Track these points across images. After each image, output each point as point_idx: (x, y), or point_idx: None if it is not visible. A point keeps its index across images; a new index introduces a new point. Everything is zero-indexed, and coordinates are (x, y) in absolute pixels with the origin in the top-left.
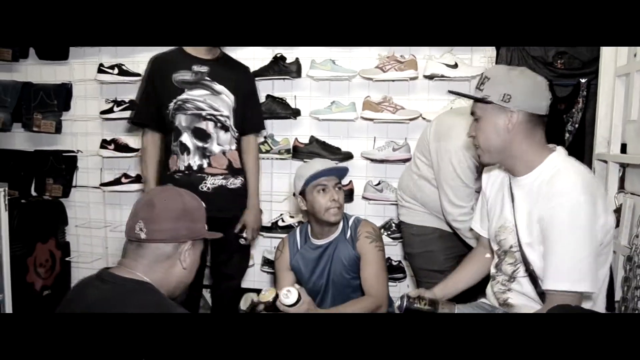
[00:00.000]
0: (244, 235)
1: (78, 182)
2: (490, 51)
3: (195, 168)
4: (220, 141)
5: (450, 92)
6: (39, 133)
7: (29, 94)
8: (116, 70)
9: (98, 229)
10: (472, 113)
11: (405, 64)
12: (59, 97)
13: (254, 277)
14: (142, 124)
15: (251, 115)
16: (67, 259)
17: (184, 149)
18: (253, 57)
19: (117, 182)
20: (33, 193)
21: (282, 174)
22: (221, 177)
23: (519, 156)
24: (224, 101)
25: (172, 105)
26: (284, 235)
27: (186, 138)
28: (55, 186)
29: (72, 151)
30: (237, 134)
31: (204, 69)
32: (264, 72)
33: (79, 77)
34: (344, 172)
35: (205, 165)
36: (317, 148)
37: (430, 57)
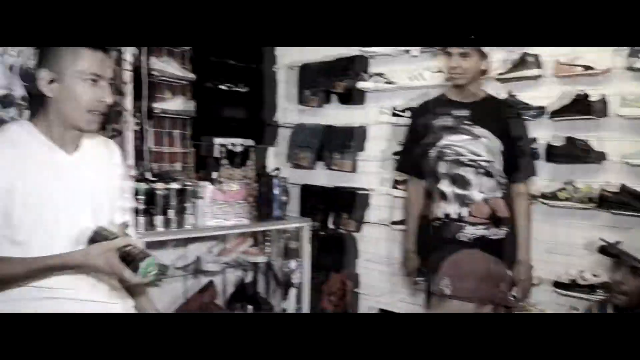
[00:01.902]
0: (513, 293)
1: (370, 219)
2: None
3: (453, 216)
4: (482, 188)
5: None
6: (337, 171)
7: (330, 135)
8: (408, 113)
9: (384, 264)
10: None
11: None
12: (356, 138)
13: None
14: (405, 171)
15: (519, 162)
16: (355, 290)
17: (443, 196)
18: (551, 95)
19: (405, 221)
20: (330, 226)
21: (583, 225)
22: (482, 227)
23: None
24: (485, 145)
25: (433, 152)
26: (582, 296)
27: (445, 185)
28: (350, 221)
29: (366, 189)
30: (503, 180)
31: (464, 112)
32: (563, 111)
33: (374, 120)
34: None
35: (464, 214)
36: (628, 198)
37: None
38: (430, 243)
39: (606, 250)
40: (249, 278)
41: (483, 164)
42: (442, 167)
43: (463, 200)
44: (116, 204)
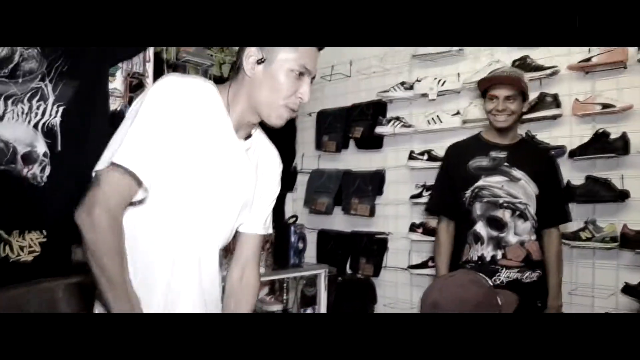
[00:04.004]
0: None
1: (388, 263)
2: None
3: (488, 259)
4: (517, 231)
5: None
6: (355, 216)
7: (348, 180)
8: (426, 156)
9: (404, 310)
10: None
11: None
12: (374, 182)
13: None
14: (436, 212)
15: (554, 206)
16: None
17: (478, 238)
18: (570, 134)
19: (424, 265)
20: (348, 271)
21: (606, 265)
22: (516, 270)
23: None
24: (523, 188)
25: (468, 193)
26: None
27: (480, 227)
28: (367, 265)
29: (384, 233)
30: (537, 224)
31: (502, 154)
32: (583, 150)
33: (391, 164)
34: None
35: (499, 257)
36: None
37: None
38: None
39: (630, 290)
40: None
41: (520, 206)
42: (478, 209)
43: (498, 243)
44: (264, 212)
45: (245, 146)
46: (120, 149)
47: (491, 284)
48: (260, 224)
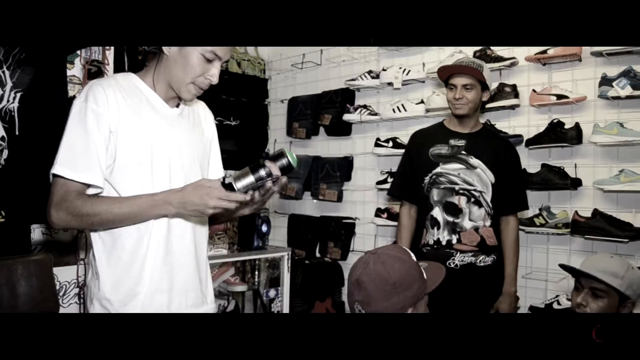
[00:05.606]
0: None
1: (355, 247)
2: None
3: (444, 243)
4: (472, 217)
5: None
6: (324, 201)
7: (318, 166)
8: (391, 144)
9: None
10: None
11: None
12: (342, 169)
13: None
14: (397, 196)
15: (511, 194)
16: None
17: (434, 223)
18: (528, 124)
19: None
20: (317, 254)
21: (559, 250)
22: (471, 254)
23: None
24: (479, 176)
25: (427, 179)
26: None
27: (437, 212)
28: (335, 249)
29: (351, 218)
30: (492, 211)
31: (461, 142)
32: (539, 139)
33: (359, 150)
34: None
35: (454, 241)
36: (601, 223)
37: None
38: None
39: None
40: (231, 307)
41: (475, 193)
42: (435, 194)
43: (454, 228)
44: (213, 161)
45: (177, 112)
46: (55, 161)
47: (415, 259)
48: (220, 168)
